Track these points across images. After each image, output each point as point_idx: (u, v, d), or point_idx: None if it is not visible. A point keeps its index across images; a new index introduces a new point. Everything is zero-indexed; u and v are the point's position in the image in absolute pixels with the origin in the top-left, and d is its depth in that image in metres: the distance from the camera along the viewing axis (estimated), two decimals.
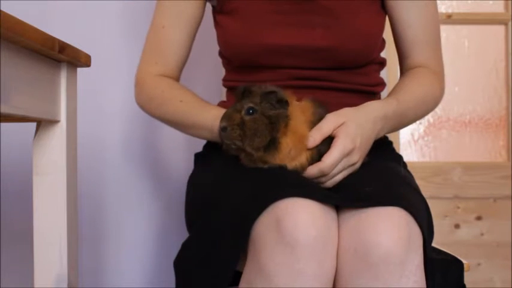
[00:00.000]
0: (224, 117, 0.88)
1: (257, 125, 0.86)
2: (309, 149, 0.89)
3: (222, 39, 1.14)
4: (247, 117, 0.87)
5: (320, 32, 1.06)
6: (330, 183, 0.91)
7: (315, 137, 0.89)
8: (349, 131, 0.89)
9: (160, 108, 1.10)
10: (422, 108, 1.09)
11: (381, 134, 0.99)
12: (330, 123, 0.90)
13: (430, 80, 1.10)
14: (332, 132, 0.90)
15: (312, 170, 0.89)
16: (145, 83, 1.13)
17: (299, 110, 0.90)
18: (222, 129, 0.87)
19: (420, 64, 1.13)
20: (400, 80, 1.13)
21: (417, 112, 1.08)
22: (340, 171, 0.90)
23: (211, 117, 1.00)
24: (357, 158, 0.90)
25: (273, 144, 0.87)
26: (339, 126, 0.90)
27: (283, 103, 0.88)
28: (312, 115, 0.92)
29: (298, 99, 0.93)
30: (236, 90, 0.92)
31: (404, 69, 1.16)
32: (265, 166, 0.89)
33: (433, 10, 1.13)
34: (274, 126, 0.87)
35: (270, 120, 0.87)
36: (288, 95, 0.90)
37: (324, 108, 0.94)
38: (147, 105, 1.13)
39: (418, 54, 1.13)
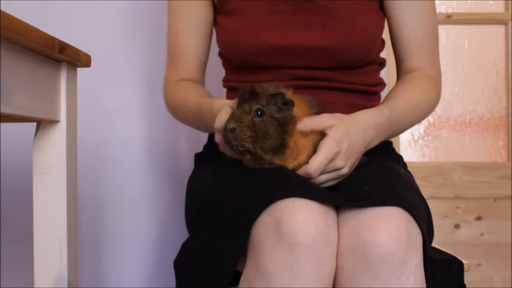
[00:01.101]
0: (232, 119, 0.86)
1: (267, 127, 0.85)
2: (308, 147, 0.89)
3: (221, 40, 1.14)
4: (256, 119, 0.86)
5: (319, 32, 1.06)
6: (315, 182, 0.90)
7: (306, 124, 0.88)
8: (336, 134, 0.89)
9: (176, 111, 1.17)
10: (417, 115, 1.08)
11: (374, 143, 0.99)
12: (324, 119, 0.90)
13: (425, 86, 1.09)
14: (322, 132, 0.90)
15: (299, 172, 0.89)
16: (166, 90, 1.19)
17: (298, 108, 0.91)
18: (231, 130, 0.85)
19: (416, 67, 1.12)
20: (394, 86, 1.13)
21: (412, 119, 1.07)
22: (324, 174, 0.90)
23: (209, 117, 1.01)
24: (341, 163, 0.89)
25: (281, 146, 0.87)
26: (329, 127, 0.89)
27: (289, 104, 0.88)
28: (308, 110, 0.92)
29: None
30: (240, 91, 0.91)
31: (401, 73, 1.15)
32: (269, 167, 0.89)
33: (431, 11, 1.13)
34: (284, 128, 0.86)
35: (278, 122, 0.86)
36: (290, 94, 0.90)
37: (316, 103, 0.94)
38: (169, 110, 1.20)
39: (414, 56, 1.12)
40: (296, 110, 0.89)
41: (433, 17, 1.13)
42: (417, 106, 1.07)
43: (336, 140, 0.88)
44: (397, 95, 1.07)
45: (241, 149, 0.87)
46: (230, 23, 1.11)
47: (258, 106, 0.86)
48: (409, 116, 1.06)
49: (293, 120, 0.87)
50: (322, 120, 0.90)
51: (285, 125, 0.86)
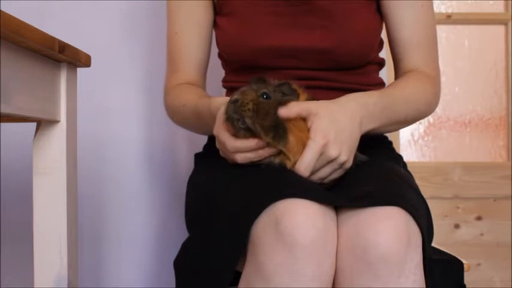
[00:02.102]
0: (238, 92, 0.86)
1: (269, 107, 0.85)
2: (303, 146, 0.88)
3: (220, 41, 1.14)
4: (261, 99, 0.86)
5: (318, 34, 1.06)
6: (315, 179, 0.89)
7: (291, 108, 0.87)
8: (320, 125, 0.87)
9: (175, 115, 1.15)
10: (413, 107, 1.05)
11: (368, 126, 0.96)
12: (309, 103, 0.89)
13: (421, 81, 1.08)
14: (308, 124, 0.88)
15: None
16: (165, 93, 1.18)
17: None
18: (234, 101, 0.85)
19: (414, 68, 1.11)
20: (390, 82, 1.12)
21: (407, 109, 1.04)
22: (321, 168, 0.88)
23: (208, 117, 1.01)
24: (335, 153, 0.87)
25: (282, 131, 0.86)
26: (313, 115, 0.88)
27: (295, 93, 0.89)
28: None
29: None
30: (253, 77, 0.90)
31: (398, 74, 1.14)
32: (265, 163, 0.89)
33: (429, 11, 1.12)
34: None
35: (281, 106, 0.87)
36: (300, 91, 0.91)
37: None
38: (168, 115, 1.18)
39: (411, 57, 1.11)
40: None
41: (430, 18, 1.12)
42: (412, 97, 1.05)
43: (320, 132, 0.86)
44: (390, 85, 1.07)
45: (242, 125, 0.85)
46: (229, 24, 1.11)
47: (265, 90, 0.86)
48: (402, 105, 1.03)
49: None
50: (308, 104, 0.88)
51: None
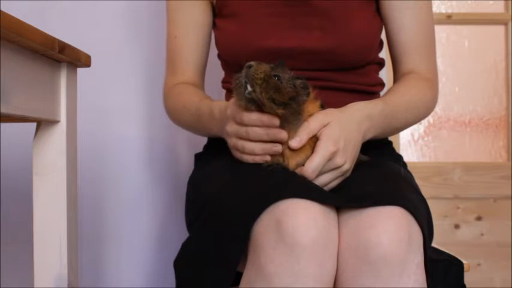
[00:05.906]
0: (255, 61, 0.87)
1: (278, 85, 0.85)
2: (307, 147, 0.89)
3: (220, 43, 1.14)
4: (272, 77, 0.86)
5: (317, 34, 1.07)
6: (317, 183, 0.90)
7: (302, 137, 0.88)
8: (332, 133, 0.88)
9: (175, 116, 1.16)
10: (412, 112, 1.07)
11: (369, 135, 0.98)
12: (317, 122, 0.90)
13: (420, 85, 1.09)
14: (317, 133, 0.89)
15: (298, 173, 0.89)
16: (165, 95, 1.19)
17: (311, 107, 0.91)
18: (248, 66, 0.85)
19: (412, 70, 1.11)
20: (390, 87, 1.13)
21: (407, 115, 1.06)
22: (325, 173, 0.89)
23: (209, 120, 1.02)
24: (341, 161, 0.89)
25: (296, 104, 0.87)
26: (324, 126, 0.89)
27: (307, 90, 0.89)
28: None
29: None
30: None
31: (397, 76, 1.15)
32: (267, 163, 0.89)
33: (428, 13, 1.12)
34: (297, 99, 0.87)
35: (293, 89, 0.87)
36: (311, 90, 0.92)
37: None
38: (169, 116, 1.19)
39: (409, 58, 1.11)
40: (309, 108, 0.90)
41: (429, 20, 1.12)
42: (412, 103, 1.06)
43: (331, 139, 0.88)
44: (391, 91, 1.08)
45: (248, 94, 0.85)
46: (229, 26, 1.11)
47: (279, 73, 0.87)
48: (403, 112, 1.04)
49: (305, 100, 0.88)
50: (316, 123, 0.89)
51: (297, 96, 0.87)
